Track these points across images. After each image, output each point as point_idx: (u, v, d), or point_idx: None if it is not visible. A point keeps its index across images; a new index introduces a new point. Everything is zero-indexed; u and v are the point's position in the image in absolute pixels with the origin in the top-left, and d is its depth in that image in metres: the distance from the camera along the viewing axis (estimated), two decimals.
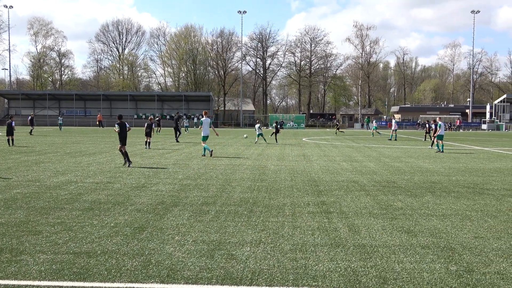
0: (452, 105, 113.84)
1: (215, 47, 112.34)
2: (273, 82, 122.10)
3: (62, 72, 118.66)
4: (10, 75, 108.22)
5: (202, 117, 21.91)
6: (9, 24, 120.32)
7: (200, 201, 10.29)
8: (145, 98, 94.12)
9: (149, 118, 27.03)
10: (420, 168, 17.54)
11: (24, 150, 23.31)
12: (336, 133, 54.41)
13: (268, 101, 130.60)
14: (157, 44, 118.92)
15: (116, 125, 17.09)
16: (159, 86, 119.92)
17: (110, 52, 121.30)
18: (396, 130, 40.95)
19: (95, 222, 8.27)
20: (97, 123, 70.24)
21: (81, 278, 5.52)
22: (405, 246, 7.05)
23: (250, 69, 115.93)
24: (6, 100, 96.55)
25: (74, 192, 11.25)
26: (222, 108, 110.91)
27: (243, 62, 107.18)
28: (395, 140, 39.04)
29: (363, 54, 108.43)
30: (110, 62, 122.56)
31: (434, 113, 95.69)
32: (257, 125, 32.43)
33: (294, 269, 5.95)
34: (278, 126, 38.96)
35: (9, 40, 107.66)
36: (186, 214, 9.00)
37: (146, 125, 26.59)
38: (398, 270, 5.95)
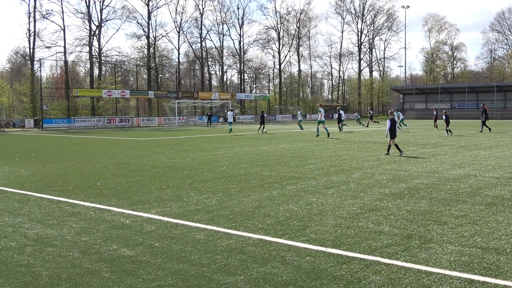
0: None
1: None
2: None
3: (454, 65, 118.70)
4: (405, 71, 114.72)
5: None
6: (405, 24, 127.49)
7: None
8: None
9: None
10: None
11: (421, 142, 24.18)
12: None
13: None
14: None
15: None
16: None
17: (505, 41, 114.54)
18: None
19: (500, 218, 7.93)
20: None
21: (492, 275, 5.36)
22: None
23: None
24: (401, 95, 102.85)
25: (474, 186, 11.05)
26: None
27: None
28: None
29: None
30: (505, 51, 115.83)
31: None
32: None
33: None
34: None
35: (405, 38, 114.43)
36: None
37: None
38: None
